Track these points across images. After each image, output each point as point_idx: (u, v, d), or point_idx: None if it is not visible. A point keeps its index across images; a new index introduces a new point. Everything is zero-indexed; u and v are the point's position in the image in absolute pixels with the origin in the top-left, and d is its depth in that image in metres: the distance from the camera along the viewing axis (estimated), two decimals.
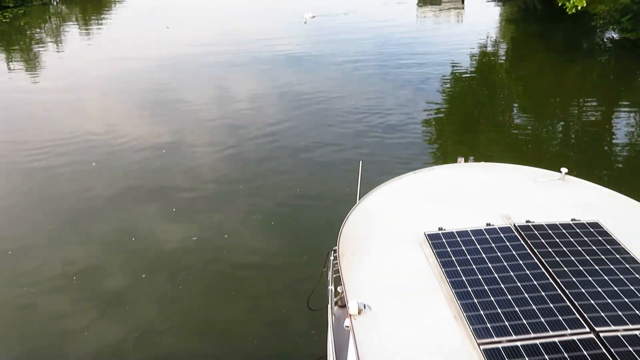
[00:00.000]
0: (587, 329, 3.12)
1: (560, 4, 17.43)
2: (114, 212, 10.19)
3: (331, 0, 32.92)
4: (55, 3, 35.92)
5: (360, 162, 6.37)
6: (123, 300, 7.87)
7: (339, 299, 5.10)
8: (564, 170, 5.22)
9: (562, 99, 15.73)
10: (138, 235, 9.41)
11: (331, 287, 5.23)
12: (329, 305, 5.17)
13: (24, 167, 12.30)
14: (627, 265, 3.68)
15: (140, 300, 7.85)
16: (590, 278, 3.54)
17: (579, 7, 16.80)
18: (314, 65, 19.26)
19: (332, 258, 5.31)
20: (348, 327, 3.50)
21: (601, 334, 3.05)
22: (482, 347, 3.02)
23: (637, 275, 3.54)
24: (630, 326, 3.11)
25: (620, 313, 3.20)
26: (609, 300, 3.33)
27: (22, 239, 9.47)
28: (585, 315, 3.23)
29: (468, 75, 18.60)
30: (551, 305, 3.32)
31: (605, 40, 22.83)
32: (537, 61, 19.99)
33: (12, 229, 9.82)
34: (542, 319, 3.22)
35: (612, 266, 3.67)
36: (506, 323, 3.18)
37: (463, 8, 32.36)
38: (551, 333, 3.11)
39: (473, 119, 14.45)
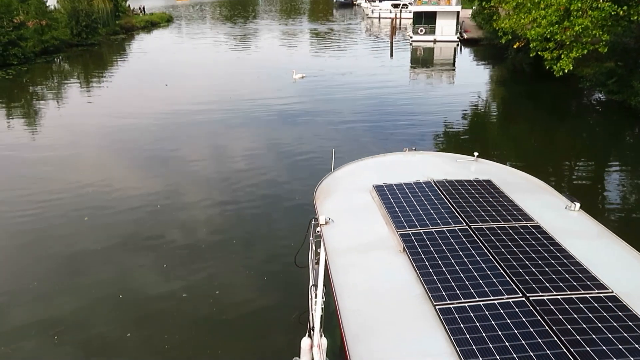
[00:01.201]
0: (464, 224, 5.20)
1: (547, 67, 18.05)
2: (103, 268, 10.00)
3: (329, 61, 34.03)
4: (58, 61, 36.91)
5: (333, 150, 8.80)
6: (106, 358, 7.57)
7: (318, 259, 6.39)
8: (476, 154, 7.30)
9: (553, 157, 15.97)
10: (126, 292, 9.19)
11: (311, 251, 6.94)
12: (310, 265, 6.93)
13: (15, 218, 12.18)
14: (503, 201, 5.72)
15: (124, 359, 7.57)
16: (478, 208, 5.56)
17: (566, 70, 17.40)
18: (309, 125, 19.59)
19: (313, 224, 6.78)
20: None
21: (472, 226, 5.14)
22: (399, 233, 5.10)
23: (509, 205, 5.62)
24: (500, 223, 5.22)
25: (490, 222, 5.26)
26: (487, 218, 5.35)
27: (7, 293, 9.23)
28: (470, 224, 5.21)
29: (460, 134, 18.95)
30: (449, 219, 5.39)
31: (592, 101, 23.50)
32: (527, 120, 20.45)
33: None
34: (441, 226, 5.21)
35: (494, 202, 5.71)
36: (415, 222, 5.29)
37: (454, 69, 33.48)
38: (442, 227, 5.16)
39: None
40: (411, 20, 45.64)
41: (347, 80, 27.63)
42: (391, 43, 40.06)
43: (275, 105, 22.22)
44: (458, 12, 42.55)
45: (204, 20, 69.15)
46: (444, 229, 5.13)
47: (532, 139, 17.96)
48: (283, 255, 10.24)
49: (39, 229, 11.72)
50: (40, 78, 30.97)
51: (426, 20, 42.73)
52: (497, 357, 3.43)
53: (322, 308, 5.48)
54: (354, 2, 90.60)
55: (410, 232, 5.11)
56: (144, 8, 68.53)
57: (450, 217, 5.37)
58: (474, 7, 43.31)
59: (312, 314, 6.63)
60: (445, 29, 42.25)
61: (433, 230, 5.11)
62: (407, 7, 59.87)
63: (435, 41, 41.94)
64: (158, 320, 8.40)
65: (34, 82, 29.60)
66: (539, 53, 18.14)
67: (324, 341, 6.21)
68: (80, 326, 8.30)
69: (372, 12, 65.57)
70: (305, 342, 7.04)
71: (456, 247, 4.77)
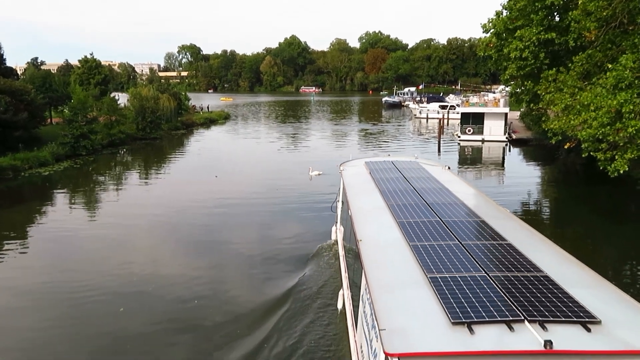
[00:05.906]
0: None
1: (601, 167, 17.54)
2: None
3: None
4: (122, 152, 39.50)
5: (351, 154, 20.02)
6: None
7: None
8: (415, 154, 17.35)
9: (613, 261, 15.05)
10: None
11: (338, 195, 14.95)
12: (336, 199, 15.67)
13: (55, 300, 12.42)
14: (429, 178, 12.64)
15: None
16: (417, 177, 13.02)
17: (621, 171, 16.83)
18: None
19: (336, 199, 15.26)
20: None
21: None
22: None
23: (431, 182, 12.25)
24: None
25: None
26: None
27: None
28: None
29: None
30: (402, 190, 11.57)
31: None
32: (583, 222, 19.63)
33: None
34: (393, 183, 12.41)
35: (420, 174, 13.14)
36: (376, 171, 13.44)
37: (503, 169, 33.24)
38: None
39: None
40: (458, 121, 46.54)
41: None
42: (439, 142, 40.63)
43: (322, 199, 22.46)
44: (506, 114, 43.14)
45: (257, 118, 73.16)
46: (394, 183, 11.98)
47: (589, 240, 17.11)
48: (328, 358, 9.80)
49: (71, 319, 11.77)
50: (104, 168, 33.03)
51: (474, 120, 43.46)
52: None
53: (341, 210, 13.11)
54: (403, 103, 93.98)
55: (377, 177, 11.88)
56: (208, 107, 74.31)
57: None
58: (521, 109, 43.79)
59: (337, 213, 14.71)
60: (494, 129, 42.68)
61: (382, 177, 12.13)
62: (454, 109, 61.40)
63: (483, 141, 42.25)
64: None
65: (98, 172, 31.55)
66: (591, 154, 17.76)
67: (342, 227, 13.23)
68: None
69: (420, 112, 67.53)
70: (333, 228, 15.48)
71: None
